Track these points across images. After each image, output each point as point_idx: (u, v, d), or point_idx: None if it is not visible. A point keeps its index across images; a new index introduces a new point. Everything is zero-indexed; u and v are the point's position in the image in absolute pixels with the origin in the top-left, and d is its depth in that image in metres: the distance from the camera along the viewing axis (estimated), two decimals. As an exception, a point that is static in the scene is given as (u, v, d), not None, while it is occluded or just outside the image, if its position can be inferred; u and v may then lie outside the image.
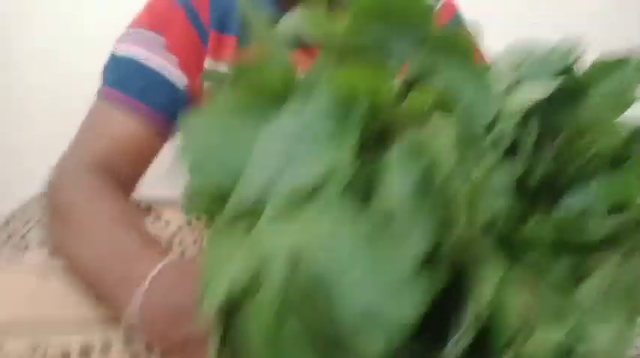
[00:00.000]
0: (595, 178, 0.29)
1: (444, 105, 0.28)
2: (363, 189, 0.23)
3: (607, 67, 0.31)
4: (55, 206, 0.50)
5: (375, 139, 0.26)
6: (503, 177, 0.26)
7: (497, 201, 0.25)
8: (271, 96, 0.27)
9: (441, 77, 0.30)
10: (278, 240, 0.22)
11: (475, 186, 0.23)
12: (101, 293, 0.43)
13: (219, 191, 0.25)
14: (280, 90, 0.28)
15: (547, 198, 0.29)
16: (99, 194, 0.49)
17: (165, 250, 0.45)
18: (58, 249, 0.48)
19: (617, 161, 0.29)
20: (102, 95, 0.58)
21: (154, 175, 0.60)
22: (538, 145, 0.29)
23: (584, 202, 0.28)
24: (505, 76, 0.34)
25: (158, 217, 0.61)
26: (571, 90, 0.30)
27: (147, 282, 0.39)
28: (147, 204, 0.62)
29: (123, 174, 0.55)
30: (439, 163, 0.23)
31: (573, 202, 0.28)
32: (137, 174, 0.59)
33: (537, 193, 0.28)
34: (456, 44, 0.30)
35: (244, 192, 0.24)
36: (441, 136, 0.24)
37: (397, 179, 0.23)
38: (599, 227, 0.27)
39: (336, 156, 0.24)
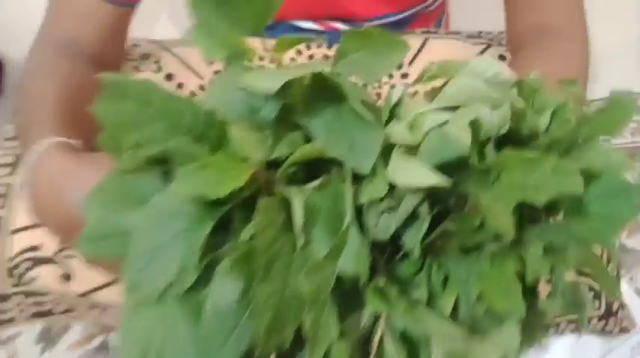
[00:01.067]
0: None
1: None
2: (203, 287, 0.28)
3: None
4: (19, 87, 0.54)
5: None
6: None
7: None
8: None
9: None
10: (131, 337, 0.28)
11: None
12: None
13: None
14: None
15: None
16: (53, 74, 0.52)
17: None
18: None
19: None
20: None
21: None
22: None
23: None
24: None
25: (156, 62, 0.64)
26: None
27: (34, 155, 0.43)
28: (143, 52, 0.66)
29: (92, 48, 0.57)
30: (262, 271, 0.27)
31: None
32: (112, 47, 0.61)
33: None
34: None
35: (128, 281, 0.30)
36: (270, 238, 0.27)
37: (223, 288, 0.27)
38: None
39: (184, 256, 0.28)
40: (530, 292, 0.31)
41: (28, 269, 0.52)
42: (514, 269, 0.29)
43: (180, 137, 0.31)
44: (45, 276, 0.52)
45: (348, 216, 0.29)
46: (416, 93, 0.57)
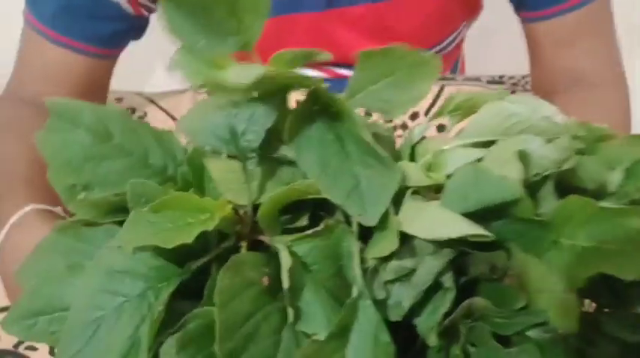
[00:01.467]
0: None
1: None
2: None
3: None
4: None
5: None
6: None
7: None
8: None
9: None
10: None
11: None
12: None
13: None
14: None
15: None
16: (22, 132, 0.47)
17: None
18: None
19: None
20: (25, 18, 0.56)
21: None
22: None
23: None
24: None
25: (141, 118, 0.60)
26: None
27: (5, 229, 0.39)
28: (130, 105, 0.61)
29: None
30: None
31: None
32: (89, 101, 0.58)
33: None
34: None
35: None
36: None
37: None
38: None
39: (134, 332, 0.21)
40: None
41: None
42: None
43: (145, 178, 0.24)
44: None
45: (358, 278, 0.21)
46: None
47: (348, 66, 0.70)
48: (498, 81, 0.65)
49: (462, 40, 0.78)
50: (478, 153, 0.24)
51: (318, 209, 0.24)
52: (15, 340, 0.45)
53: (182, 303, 0.22)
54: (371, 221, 0.22)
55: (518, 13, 0.61)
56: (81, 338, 0.21)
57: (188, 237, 0.20)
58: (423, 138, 0.27)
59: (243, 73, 0.22)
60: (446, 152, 0.25)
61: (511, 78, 0.66)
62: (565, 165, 0.22)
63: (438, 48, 0.70)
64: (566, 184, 0.23)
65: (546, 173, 0.22)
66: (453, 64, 0.78)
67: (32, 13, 0.55)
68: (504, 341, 0.22)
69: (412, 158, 0.27)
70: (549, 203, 0.22)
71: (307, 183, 0.22)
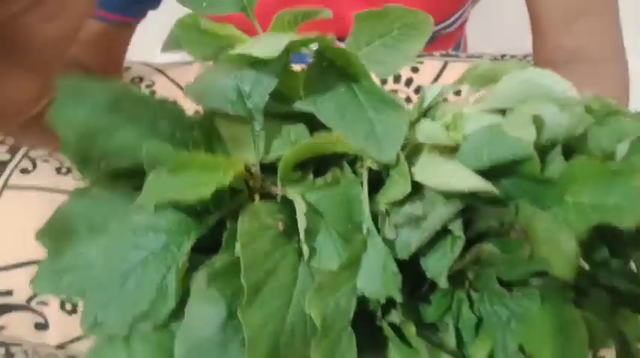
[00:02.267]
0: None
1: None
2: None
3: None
4: None
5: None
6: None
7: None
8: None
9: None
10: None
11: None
12: None
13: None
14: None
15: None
16: None
17: None
18: None
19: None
20: None
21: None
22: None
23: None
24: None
25: (149, 86, 0.61)
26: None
27: None
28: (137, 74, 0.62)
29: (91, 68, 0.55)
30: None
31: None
32: (109, 65, 0.58)
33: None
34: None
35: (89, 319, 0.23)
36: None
37: (200, 314, 0.21)
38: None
39: (162, 280, 0.22)
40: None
41: None
42: (578, 319, 0.22)
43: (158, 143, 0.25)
44: (16, 325, 0.46)
45: (367, 219, 0.23)
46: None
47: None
48: (500, 59, 0.66)
49: (465, 20, 0.79)
50: (497, 119, 0.25)
51: (323, 166, 0.26)
52: (27, 295, 0.46)
53: (200, 257, 0.23)
54: (389, 158, 0.24)
55: None
56: (110, 290, 0.23)
57: (207, 192, 0.21)
58: (441, 101, 0.29)
59: (270, 45, 0.23)
60: (466, 115, 0.26)
61: (513, 56, 0.67)
62: (576, 131, 0.23)
63: (442, 26, 0.70)
64: (575, 153, 0.25)
65: (558, 140, 0.23)
66: (456, 42, 0.79)
67: None
68: (508, 289, 0.24)
69: (425, 117, 0.28)
70: (557, 165, 0.23)
71: (325, 136, 0.24)
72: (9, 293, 0.46)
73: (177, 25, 0.28)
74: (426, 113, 0.28)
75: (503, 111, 0.26)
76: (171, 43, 0.29)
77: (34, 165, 0.51)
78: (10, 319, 0.46)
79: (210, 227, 0.24)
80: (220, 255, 0.22)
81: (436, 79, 0.61)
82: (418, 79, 0.60)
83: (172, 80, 0.61)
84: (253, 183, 0.24)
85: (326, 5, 0.28)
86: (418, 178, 0.23)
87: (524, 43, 0.65)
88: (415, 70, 0.61)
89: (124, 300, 0.22)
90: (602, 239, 0.24)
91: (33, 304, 0.46)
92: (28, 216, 0.48)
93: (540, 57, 0.63)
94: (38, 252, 0.49)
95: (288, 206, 0.23)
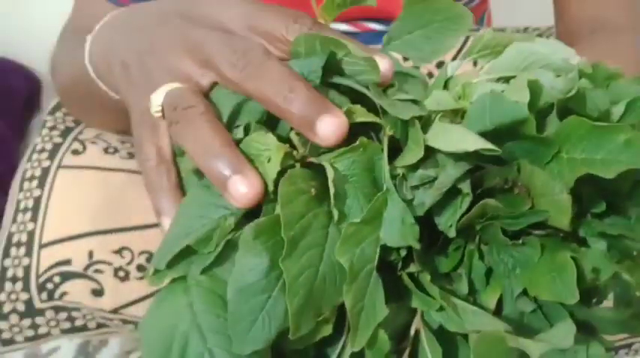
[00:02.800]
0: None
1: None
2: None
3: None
4: (51, 68, 0.57)
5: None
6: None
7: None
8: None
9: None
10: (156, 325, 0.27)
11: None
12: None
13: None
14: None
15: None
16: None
17: None
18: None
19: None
20: None
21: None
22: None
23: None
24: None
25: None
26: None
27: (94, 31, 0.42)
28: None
29: None
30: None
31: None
32: None
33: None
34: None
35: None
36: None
37: (246, 262, 0.25)
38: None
39: (212, 231, 0.27)
40: (586, 299, 0.27)
41: (58, 284, 0.51)
42: (568, 259, 0.25)
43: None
44: (76, 291, 0.51)
45: (387, 180, 0.26)
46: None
47: (378, 20, 0.72)
48: (523, 32, 0.67)
49: None
50: (501, 86, 0.28)
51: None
52: (84, 263, 0.50)
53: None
54: (407, 116, 0.27)
55: None
56: (175, 233, 0.28)
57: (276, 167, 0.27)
58: (454, 74, 0.32)
59: None
60: (473, 85, 0.29)
61: (536, 29, 0.68)
62: (570, 94, 0.26)
63: (465, 0, 0.72)
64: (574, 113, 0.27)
65: (551, 101, 0.26)
66: (480, 17, 0.80)
67: None
68: (512, 239, 0.27)
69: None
70: (553, 126, 0.26)
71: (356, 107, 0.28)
72: (68, 262, 0.51)
73: None
74: (445, 86, 0.31)
75: (509, 80, 0.29)
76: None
77: (84, 147, 0.56)
78: (71, 286, 0.51)
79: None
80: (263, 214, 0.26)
81: (458, 52, 0.63)
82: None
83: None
84: (296, 154, 0.28)
85: None
86: (430, 143, 0.26)
87: (549, 16, 0.66)
88: None
89: (179, 234, 0.27)
90: (603, 196, 0.27)
91: (90, 272, 0.51)
92: (81, 193, 0.53)
93: (561, 29, 0.64)
94: (92, 224, 0.53)
95: (321, 173, 0.27)
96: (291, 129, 0.29)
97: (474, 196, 0.27)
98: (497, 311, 0.28)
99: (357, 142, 0.27)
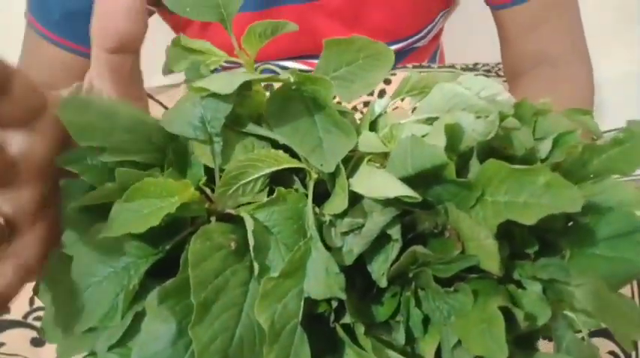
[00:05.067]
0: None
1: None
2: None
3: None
4: None
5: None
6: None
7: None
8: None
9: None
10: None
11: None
12: None
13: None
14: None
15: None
16: None
17: None
18: None
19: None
20: (28, 21, 0.58)
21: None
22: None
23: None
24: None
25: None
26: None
27: None
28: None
29: None
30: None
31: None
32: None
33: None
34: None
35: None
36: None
37: (152, 331, 0.23)
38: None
39: (115, 298, 0.25)
40: (526, 344, 0.26)
41: None
42: (498, 305, 0.24)
43: (149, 152, 0.28)
44: (15, 341, 0.48)
45: (311, 225, 0.25)
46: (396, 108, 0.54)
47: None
48: (472, 68, 0.68)
49: (440, 31, 0.81)
50: (428, 128, 0.27)
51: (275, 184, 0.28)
52: (24, 311, 0.48)
53: (159, 278, 0.25)
54: (329, 168, 0.26)
55: (486, 2, 0.64)
56: (76, 298, 0.25)
57: (155, 220, 0.23)
58: (383, 113, 0.31)
59: (226, 84, 0.26)
60: (401, 126, 0.28)
61: (485, 65, 0.69)
62: (490, 136, 0.25)
63: (413, 39, 0.73)
64: (499, 155, 0.26)
65: (473, 144, 0.25)
66: (431, 54, 0.81)
67: (36, 18, 0.57)
68: (446, 284, 0.26)
69: (372, 129, 0.30)
70: (475, 167, 0.25)
71: (267, 153, 0.26)
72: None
73: (171, 45, 0.30)
74: (373, 124, 0.30)
75: (434, 119, 0.28)
76: (166, 66, 0.31)
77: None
78: (9, 335, 0.48)
79: (172, 249, 0.26)
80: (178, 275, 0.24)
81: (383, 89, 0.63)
82: (390, 90, 0.63)
83: (161, 103, 0.64)
84: (209, 206, 0.26)
85: (302, 21, 0.30)
86: (355, 188, 0.25)
87: (497, 53, 0.67)
88: (388, 81, 0.63)
89: (87, 308, 0.25)
90: (536, 234, 0.26)
91: (30, 320, 0.48)
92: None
93: (507, 64, 0.65)
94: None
95: (241, 225, 0.25)
96: (206, 183, 0.27)
97: (405, 241, 0.26)
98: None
99: (275, 194, 0.26)
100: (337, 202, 0.25)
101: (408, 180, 0.25)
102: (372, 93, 0.62)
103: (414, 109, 0.32)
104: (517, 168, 0.23)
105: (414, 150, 0.24)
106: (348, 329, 0.26)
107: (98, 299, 0.24)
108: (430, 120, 0.28)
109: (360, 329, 0.25)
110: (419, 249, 0.24)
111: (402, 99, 0.31)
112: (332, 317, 0.26)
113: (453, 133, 0.25)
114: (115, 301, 0.24)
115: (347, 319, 0.26)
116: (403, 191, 0.23)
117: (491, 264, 0.23)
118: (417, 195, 0.23)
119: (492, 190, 0.24)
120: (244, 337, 0.23)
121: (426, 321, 0.27)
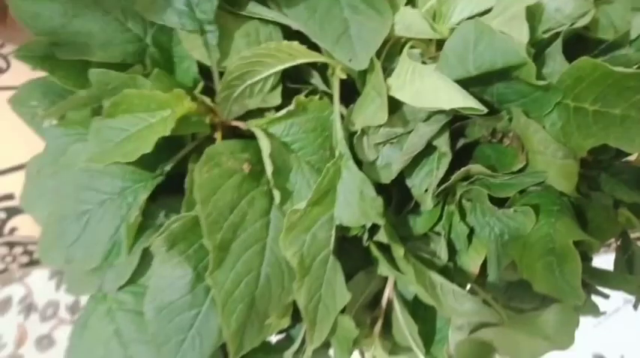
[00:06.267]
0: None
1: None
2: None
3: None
4: None
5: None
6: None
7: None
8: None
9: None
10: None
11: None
12: None
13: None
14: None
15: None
16: None
17: None
18: None
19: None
20: None
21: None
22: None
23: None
24: None
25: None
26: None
27: None
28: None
29: None
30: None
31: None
32: None
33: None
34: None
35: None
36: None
37: (165, 273, 0.19)
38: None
39: (116, 233, 0.21)
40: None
41: (5, 220, 0.48)
42: (571, 248, 0.19)
43: (121, 42, 0.22)
44: (25, 225, 0.47)
45: (340, 141, 0.20)
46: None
47: None
48: None
49: None
50: (489, 1, 0.21)
51: (290, 81, 0.22)
52: None
53: (166, 200, 0.21)
54: (361, 64, 0.20)
55: None
56: (74, 231, 0.21)
57: (147, 147, 0.19)
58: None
59: None
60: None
61: None
62: (580, 21, 0.18)
63: None
64: (582, 36, 0.20)
65: (559, 29, 0.19)
66: None
67: None
68: (501, 200, 0.22)
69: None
70: (556, 62, 0.20)
71: (278, 45, 0.20)
72: (11, 196, 0.47)
73: None
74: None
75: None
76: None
77: (8, 64, 0.48)
78: (20, 220, 0.47)
79: (174, 167, 0.22)
80: (182, 206, 0.20)
81: None
82: None
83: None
84: (211, 117, 0.21)
85: None
86: (397, 94, 0.19)
87: None
88: None
89: (85, 245, 0.21)
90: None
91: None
92: (14, 118, 0.46)
93: None
94: (31, 152, 0.48)
95: (254, 139, 0.21)
96: (204, 86, 0.21)
97: (454, 151, 0.21)
98: (480, 275, 0.24)
99: (293, 104, 0.20)
100: (373, 110, 0.20)
101: (464, 81, 0.19)
102: None
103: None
104: (618, 71, 0.17)
105: (479, 43, 0.18)
106: (383, 247, 0.23)
107: (97, 236, 0.21)
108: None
109: (400, 252, 0.22)
110: (477, 168, 0.20)
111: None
112: (365, 236, 0.23)
113: (531, 16, 0.18)
114: (117, 236, 0.21)
115: (382, 236, 0.23)
116: (465, 102, 0.18)
117: (566, 184, 0.19)
118: (483, 107, 0.18)
119: (578, 94, 0.18)
120: (271, 276, 0.20)
121: (470, 235, 0.24)
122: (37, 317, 0.60)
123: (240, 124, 0.21)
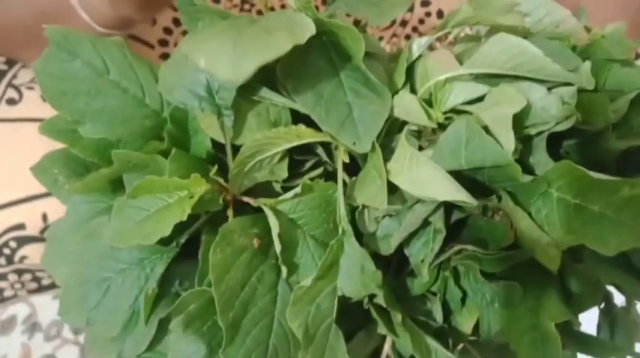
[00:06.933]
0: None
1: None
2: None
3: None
4: None
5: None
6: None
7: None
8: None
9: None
10: None
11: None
12: None
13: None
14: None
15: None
16: None
17: None
18: None
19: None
20: None
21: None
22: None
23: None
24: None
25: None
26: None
27: None
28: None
29: None
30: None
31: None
32: None
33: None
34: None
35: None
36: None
37: (181, 349, 0.21)
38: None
39: (135, 302, 0.22)
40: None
41: (15, 249, 0.49)
42: (553, 331, 0.21)
43: (140, 118, 0.24)
44: (34, 254, 0.49)
45: (343, 217, 0.22)
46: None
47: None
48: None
49: None
50: (481, 89, 0.22)
51: (296, 154, 0.24)
52: (39, 227, 0.47)
53: (179, 267, 0.23)
54: (365, 148, 0.22)
55: None
56: (95, 296, 0.23)
57: (165, 230, 0.20)
58: (420, 56, 0.25)
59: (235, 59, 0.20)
60: (448, 84, 0.23)
61: None
62: (563, 124, 0.20)
63: None
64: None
65: (543, 127, 0.21)
66: None
67: None
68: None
69: (409, 75, 0.25)
70: (541, 158, 0.21)
71: (283, 130, 0.22)
72: (22, 226, 0.48)
73: None
74: (410, 70, 0.25)
75: (490, 77, 0.23)
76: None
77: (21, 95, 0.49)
78: (29, 249, 0.48)
79: (189, 238, 0.23)
80: (195, 289, 0.22)
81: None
82: (430, 21, 0.53)
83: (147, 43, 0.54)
84: (226, 195, 0.23)
85: None
86: (396, 181, 0.21)
87: None
88: (426, 3, 0.54)
89: (106, 310, 0.23)
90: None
91: (46, 235, 0.49)
92: (25, 150, 0.47)
93: None
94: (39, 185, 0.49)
95: (262, 214, 0.22)
96: (215, 163, 0.23)
97: (448, 224, 0.23)
98: (473, 334, 0.26)
99: (300, 187, 0.22)
100: (374, 192, 0.21)
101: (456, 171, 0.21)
102: (403, 23, 0.52)
103: (457, 44, 0.26)
104: (596, 178, 0.19)
105: (470, 142, 0.20)
106: (382, 309, 0.25)
107: (117, 304, 0.22)
108: (483, 79, 0.23)
109: (398, 318, 0.24)
110: (469, 249, 0.22)
111: (446, 36, 0.25)
112: (366, 300, 0.25)
113: (519, 119, 0.20)
114: (136, 305, 0.22)
115: (381, 300, 0.25)
116: (458, 196, 0.19)
117: (550, 265, 0.21)
118: (475, 201, 0.19)
119: (561, 187, 0.20)
120: (278, 347, 0.22)
121: (465, 297, 0.25)
122: (41, 336, 0.61)
123: (251, 201, 0.23)
